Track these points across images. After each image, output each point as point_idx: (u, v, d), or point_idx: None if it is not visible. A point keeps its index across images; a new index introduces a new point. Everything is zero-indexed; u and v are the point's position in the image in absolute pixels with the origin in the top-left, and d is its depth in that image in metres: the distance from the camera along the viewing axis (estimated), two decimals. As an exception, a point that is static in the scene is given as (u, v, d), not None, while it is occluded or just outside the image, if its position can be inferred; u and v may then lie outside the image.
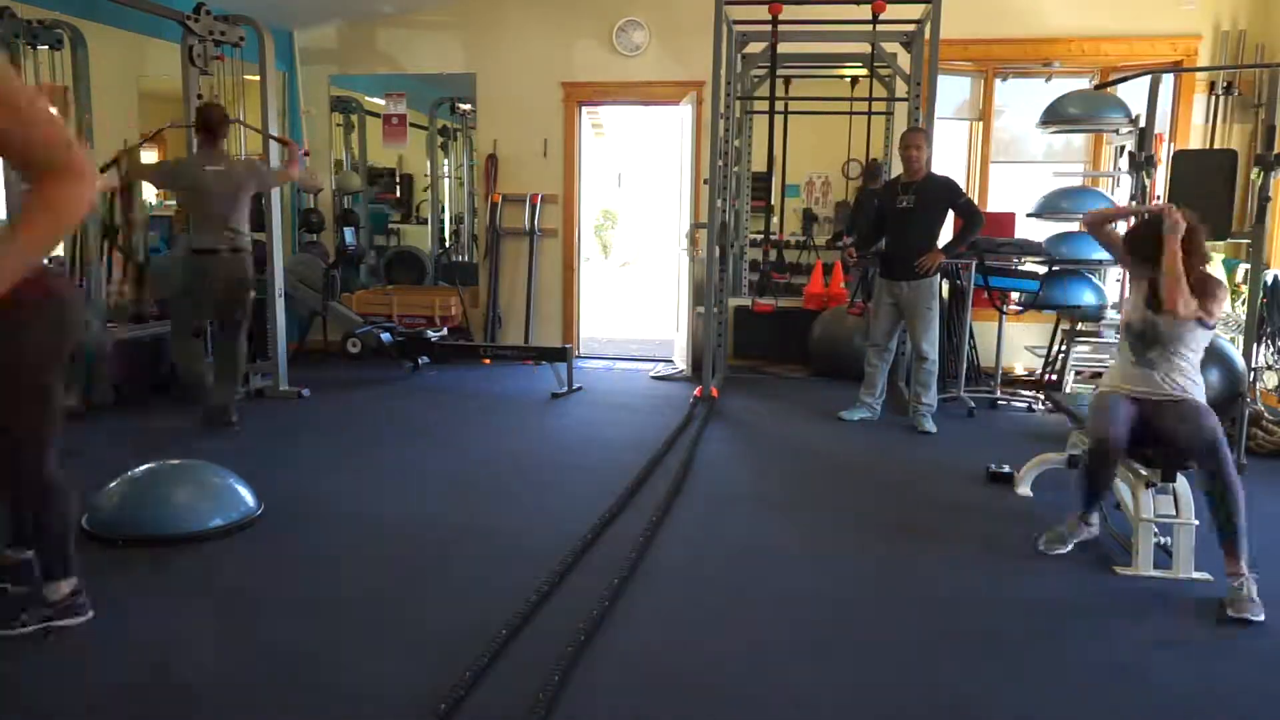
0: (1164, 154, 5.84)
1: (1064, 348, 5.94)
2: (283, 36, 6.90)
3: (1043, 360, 5.95)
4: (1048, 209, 5.98)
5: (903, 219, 5.01)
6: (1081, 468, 3.21)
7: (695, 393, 5.71)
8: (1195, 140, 6.22)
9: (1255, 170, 4.46)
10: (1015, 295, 5.88)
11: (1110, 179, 6.63)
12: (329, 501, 3.63)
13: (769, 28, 5.34)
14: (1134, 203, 5.05)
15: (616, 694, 2.23)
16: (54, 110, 2.71)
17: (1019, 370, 6.49)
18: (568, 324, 7.21)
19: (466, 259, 7.58)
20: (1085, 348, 5.79)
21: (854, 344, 6.05)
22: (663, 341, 7.75)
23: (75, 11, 5.01)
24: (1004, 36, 6.44)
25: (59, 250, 4.81)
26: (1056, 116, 5.84)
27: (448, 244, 7.80)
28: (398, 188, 8.02)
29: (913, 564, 3.13)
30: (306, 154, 5.67)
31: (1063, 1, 6.35)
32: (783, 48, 5.46)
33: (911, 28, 5.63)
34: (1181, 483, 3.05)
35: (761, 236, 6.11)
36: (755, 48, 6.01)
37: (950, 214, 5.10)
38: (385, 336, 6.35)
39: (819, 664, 2.41)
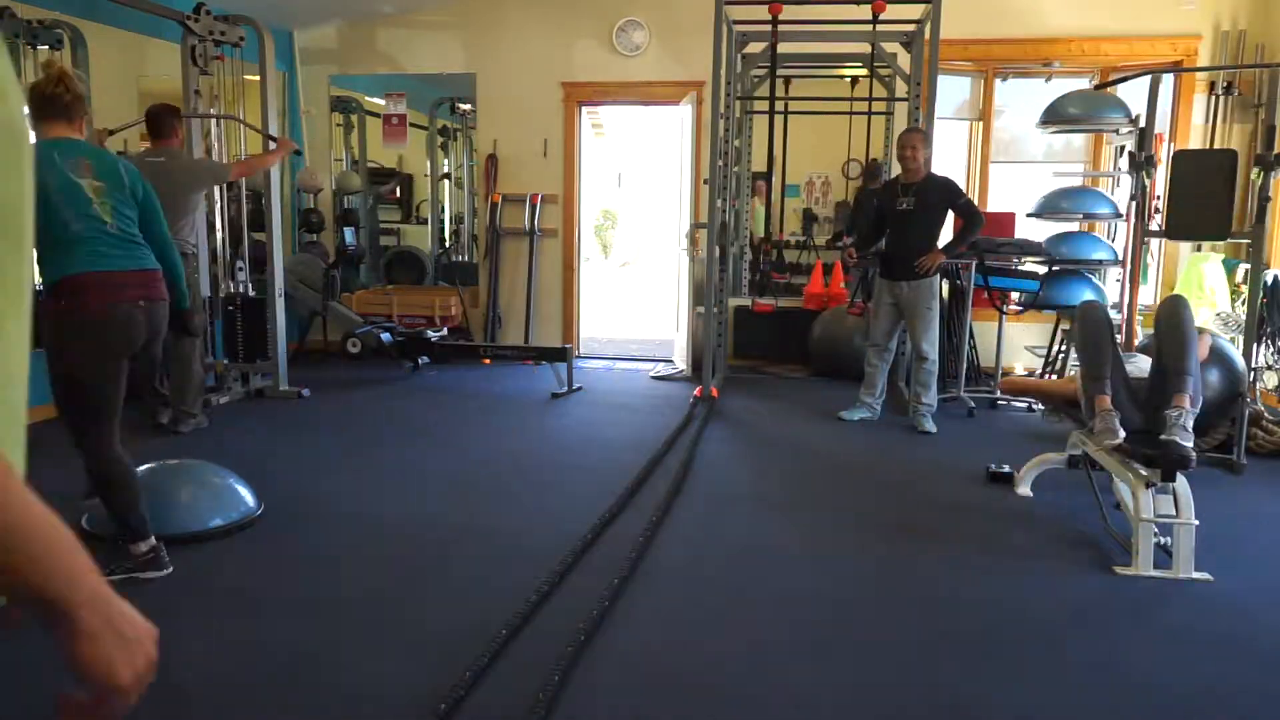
0: (1164, 154, 5.85)
1: (1064, 348, 5.94)
2: (283, 36, 6.90)
3: (1043, 360, 5.95)
4: (1048, 209, 5.98)
5: (903, 220, 5.01)
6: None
7: (695, 393, 5.70)
8: (1195, 140, 6.22)
9: (1255, 170, 4.46)
10: (1015, 295, 5.88)
11: (1110, 179, 6.63)
12: (329, 501, 3.63)
13: (769, 28, 5.34)
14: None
15: (616, 694, 2.23)
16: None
17: (1019, 370, 6.48)
18: (568, 324, 7.21)
19: (466, 259, 7.58)
20: (1085, 348, 5.79)
21: (854, 344, 6.05)
22: (663, 341, 7.75)
23: (75, 11, 5.01)
24: (1004, 36, 6.44)
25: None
26: (1056, 116, 5.84)
27: (448, 244, 7.80)
28: (398, 188, 8.02)
29: (913, 564, 3.13)
30: (299, 152, 5.60)
31: (1063, 1, 6.35)
32: (783, 48, 5.46)
33: (911, 28, 5.63)
34: (1181, 483, 3.05)
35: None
36: (755, 48, 6.01)
37: (950, 214, 5.10)
38: (385, 336, 6.35)
39: (819, 664, 2.41)
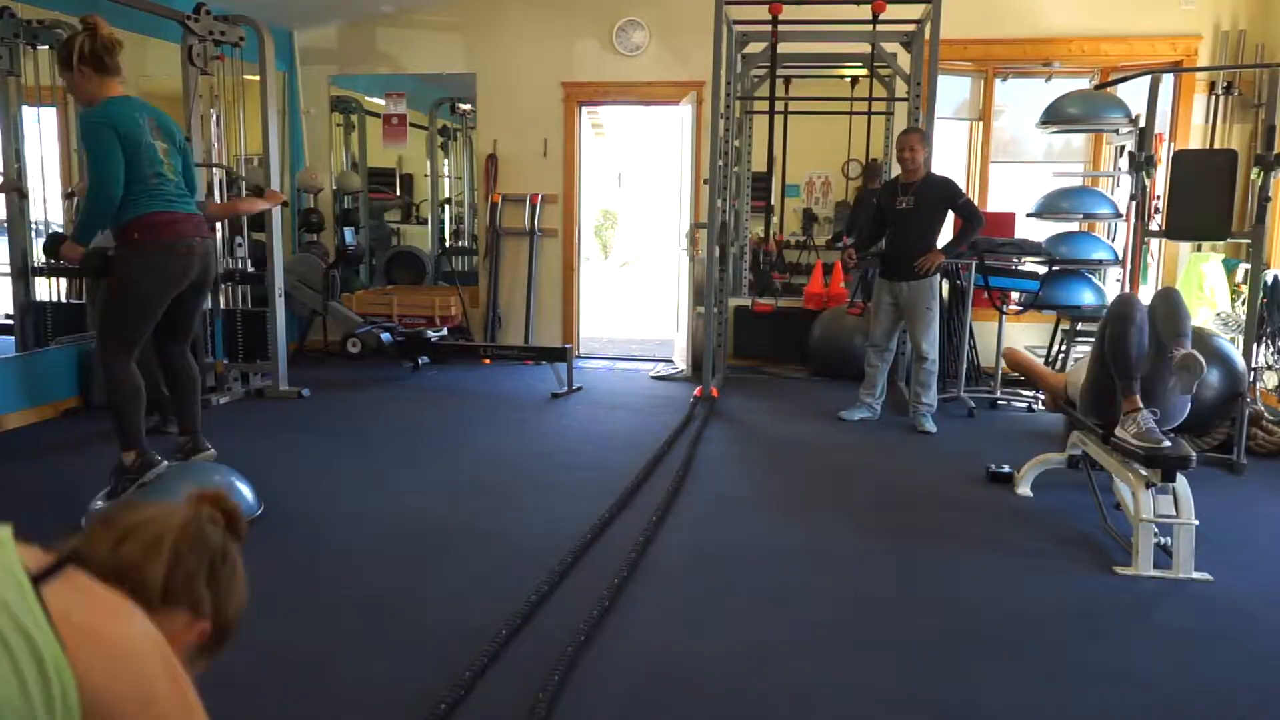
0: (1164, 154, 5.85)
1: (1064, 348, 5.95)
2: (283, 36, 6.90)
3: (1043, 360, 5.95)
4: (1048, 209, 5.99)
5: (902, 220, 5.01)
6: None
7: (695, 393, 5.71)
8: (1195, 140, 6.22)
9: (1255, 170, 4.46)
10: (1015, 295, 5.88)
11: (1110, 179, 6.63)
12: (329, 501, 3.63)
13: (769, 28, 5.34)
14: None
15: (616, 694, 2.22)
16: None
17: (1019, 370, 6.48)
18: (568, 324, 7.22)
19: (466, 260, 7.58)
20: (1085, 348, 5.78)
21: (854, 344, 6.05)
22: (663, 341, 7.76)
23: (75, 11, 5.00)
24: (1004, 36, 6.44)
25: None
26: (1056, 116, 5.84)
27: (448, 244, 7.81)
28: (398, 187, 8.03)
29: (912, 564, 3.13)
30: (285, 204, 5.55)
31: (1063, 1, 6.35)
32: (783, 48, 5.46)
33: (911, 28, 5.63)
34: (1181, 483, 3.05)
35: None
36: (755, 48, 6.01)
37: (950, 214, 5.10)
38: (385, 336, 6.35)
39: (819, 664, 2.41)
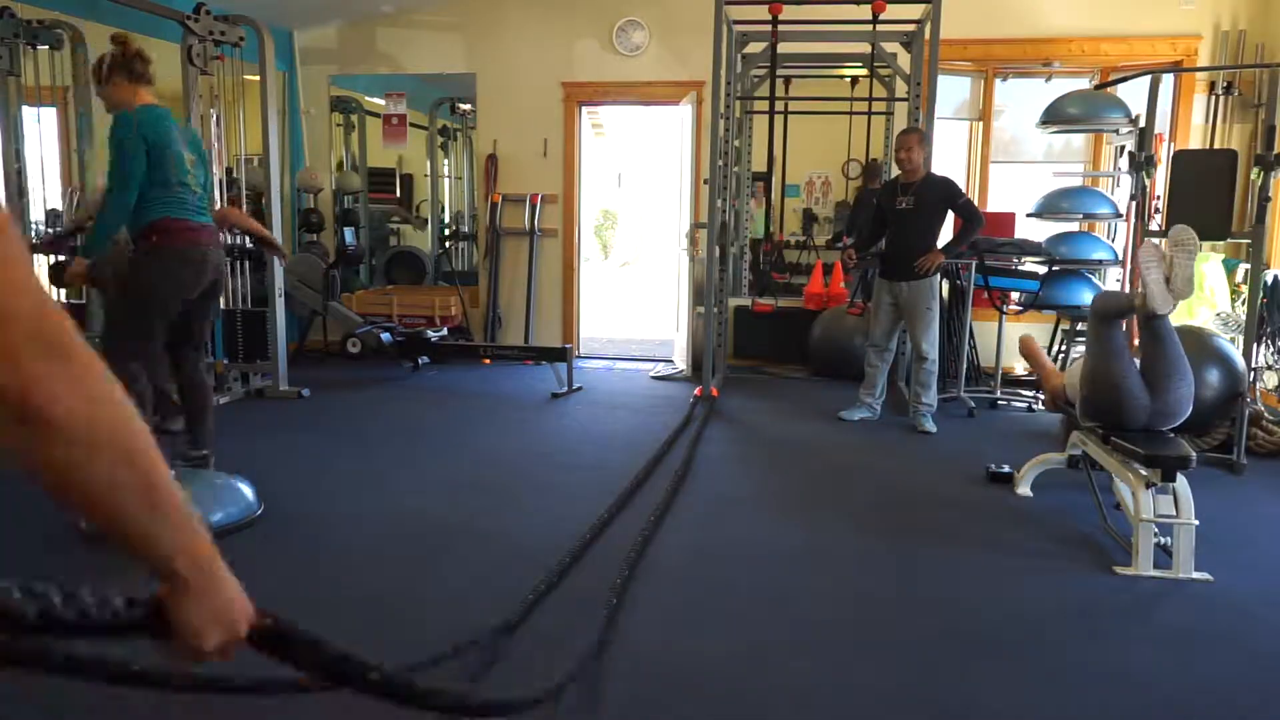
0: (1164, 154, 5.84)
1: (1064, 348, 5.95)
2: (283, 36, 6.90)
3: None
4: (1048, 209, 5.98)
5: (902, 220, 5.01)
6: None
7: (695, 393, 5.71)
8: (1195, 140, 6.22)
9: (1255, 170, 4.46)
10: (1015, 295, 5.89)
11: (1110, 179, 6.63)
12: (329, 501, 3.64)
13: (769, 28, 5.34)
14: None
15: (616, 693, 2.22)
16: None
17: (1019, 370, 6.48)
18: (568, 324, 7.22)
19: (466, 260, 7.58)
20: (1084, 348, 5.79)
21: (854, 344, 6.05)
22: (663, 341, 7.76)
23: (75, 11, 5.02)
24: (1004, 36, 6.44)
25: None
26: (1056, 116, 5.84)
27: (447, 244, 7.80)
28: (398, 187, 8.03)
29: (912, 564, 3.13)
30: (285, 258, 5.33)
31: (1063, 1, 6.35)
32: (783, 48, 5.46)
33: (911, 28, 5.63)
34: (1181, 483, 3.05)
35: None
36: (755, 48, 6.01)
37: (950, 214, 5.10)
38: (385, 336, 6.35)
39: (819, 664, 2.41)
